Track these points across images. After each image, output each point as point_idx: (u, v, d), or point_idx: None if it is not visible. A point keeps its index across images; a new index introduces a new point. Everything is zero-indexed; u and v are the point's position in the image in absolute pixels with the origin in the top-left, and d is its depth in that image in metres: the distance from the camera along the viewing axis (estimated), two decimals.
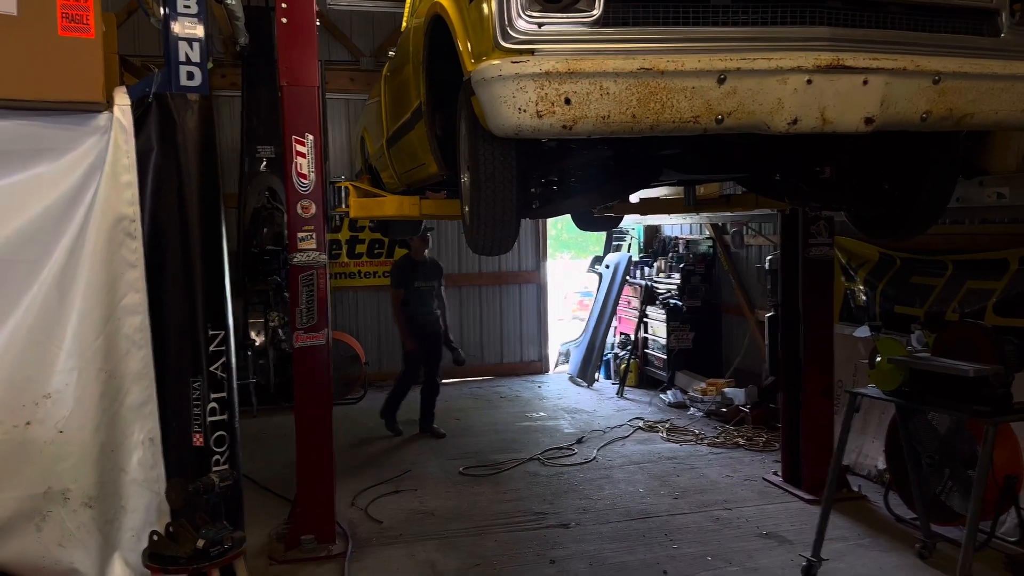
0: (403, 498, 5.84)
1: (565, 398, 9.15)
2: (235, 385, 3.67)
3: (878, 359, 4.13)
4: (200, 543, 3.15)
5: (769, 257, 7.25)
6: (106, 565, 3.34)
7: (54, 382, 3.20)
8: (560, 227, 17.24)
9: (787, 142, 3.10)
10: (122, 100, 3.30)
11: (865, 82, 2.54)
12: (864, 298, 6.50)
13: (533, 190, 3.32)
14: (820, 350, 5.60)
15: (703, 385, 8.24)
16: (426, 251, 7.57)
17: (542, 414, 8.35)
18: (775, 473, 6.06)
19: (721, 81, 2.44)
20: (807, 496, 5.54)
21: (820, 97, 2.51)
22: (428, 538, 5.06)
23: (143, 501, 3.40)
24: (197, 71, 3.45)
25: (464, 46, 2.67)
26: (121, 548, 3.38)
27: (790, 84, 2.49)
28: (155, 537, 3.20)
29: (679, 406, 8.34)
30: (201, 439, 3.51)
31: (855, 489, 5.57)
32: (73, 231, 3.23)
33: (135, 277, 3.35)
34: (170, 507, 3.33)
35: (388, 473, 6.36)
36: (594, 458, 6.69)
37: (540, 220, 10.37)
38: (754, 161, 3.48)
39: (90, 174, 3.24)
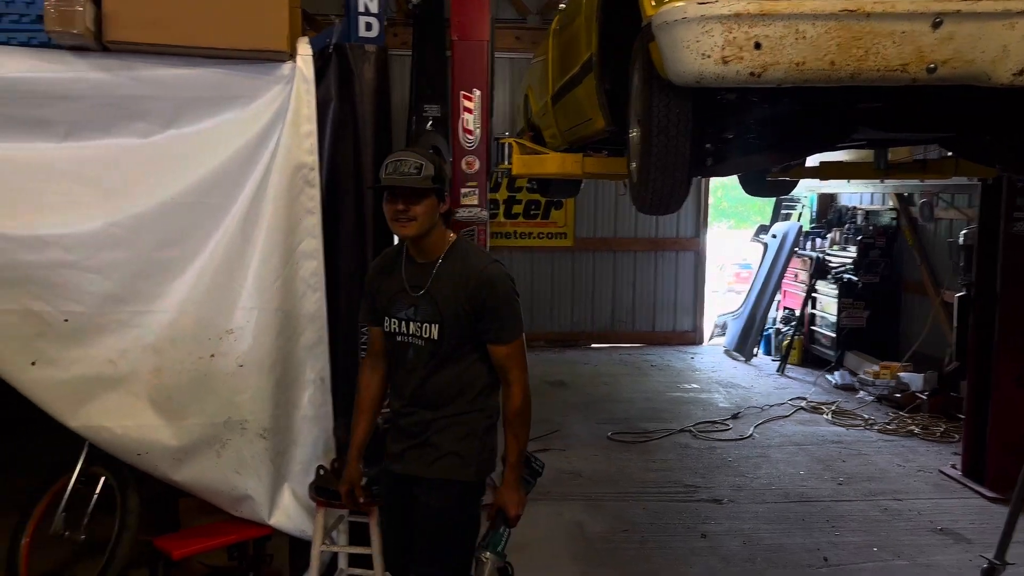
0: (551, 456, 5.85)
1: (720, 371, 8.85)
2: None
3: None
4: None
5: (964, 232, 6.60)
6: (276, 494, 3.54)
7: (236, 318, 3.37)
8: (720, 194, 16.51)
9: (1005, 97, 2.75)
10: (304, 50, 3.38)
11: None
12: None
13: (707, 146, 3.14)
14: (1017, 335, 5.07)
15: (876, 368, 7.70)
16: None
17: (695, 386, 8.12)
18: (953, 466, 5.59)
19: (936, 25, 2.19)
20: (990, 493, 5.08)
21: None
22: (575, 499, 5.06)
23: (312, 436, 3.55)
24: (375, 22, 3.51)
25: None
26: (290, 480, 3.56)
27: (1018, 29, 2.19)
28: (321, 472, 3.34)
29: (847, 388, 7.85)
30: None
31: None
32: (257, 177, 3.35)
33: (312, 224, 3.46)
34: (337, 444, 3.48)
35: (536, 431, 6.34)
36: (750, 435, 6.44)
37: (703, 184, 9.97)
38: (964, 119, 3.11)
39: (274, 122, 3.34)
